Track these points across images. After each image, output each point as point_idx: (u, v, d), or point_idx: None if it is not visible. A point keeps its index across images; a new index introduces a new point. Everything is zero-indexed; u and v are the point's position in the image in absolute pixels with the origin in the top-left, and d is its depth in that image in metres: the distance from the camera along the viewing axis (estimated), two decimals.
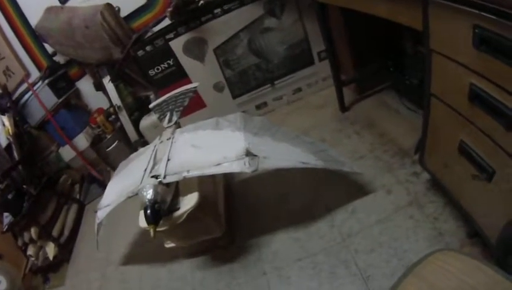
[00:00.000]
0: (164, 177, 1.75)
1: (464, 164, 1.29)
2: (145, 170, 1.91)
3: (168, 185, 1.76)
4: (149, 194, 1.67)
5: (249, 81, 3.07)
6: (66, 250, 2.99)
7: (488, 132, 1.10)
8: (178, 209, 1.78)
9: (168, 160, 1.86)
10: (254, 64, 2.97)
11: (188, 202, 1.78)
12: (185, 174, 1.73)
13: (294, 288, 1.82)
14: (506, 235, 1.11)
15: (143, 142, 3.26)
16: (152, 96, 3.29)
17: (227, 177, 2.55)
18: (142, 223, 1.73)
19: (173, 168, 1.79)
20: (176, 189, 1.85)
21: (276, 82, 3.07)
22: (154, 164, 1.92)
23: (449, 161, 1.45)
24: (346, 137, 2.50)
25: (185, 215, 1.76)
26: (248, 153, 1.69)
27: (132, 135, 3.34)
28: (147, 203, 1.65)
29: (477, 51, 0.99)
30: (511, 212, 1.13)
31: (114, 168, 3.23)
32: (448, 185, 1.55)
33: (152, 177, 1.77)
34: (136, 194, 1.79)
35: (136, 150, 3.02)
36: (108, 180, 3.21)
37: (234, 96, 3.14)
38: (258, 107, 3.21)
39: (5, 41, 3.28)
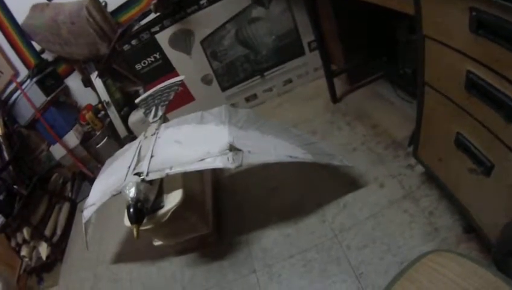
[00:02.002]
0: (147, 175, 1.68)
1: (461, 157, 1.20)
2: (129, 167, 1.83)
3: (151, 182, 1.69)
4: (131, 192, 1.60)
5: (237, 73, 2.98)
6: (59, 249, 2.93)
7: (487, 123, 1.01)
8: (162, 207, 1.71)
9: (152, 156, 1.79)
10: (242, 56, 2.88)
11: (172, 199, 1.71)
12: (168, 171, 1.66)
13: (284, 286, 1.75)
14: (508, 236, 1.00)
15: (132, 138, 3.17)
16: (141, 91, 3.20)
17: (216, 172, 2.48)
18: (127, 222, 1.66)
19: (156, 165, 1.72)
20: (160, 186, 1.78)
21: (265, 73, 2.97)
22: (138, 161, 1.84)
23: (445, 153, 1.37)
24: (337, 129, 2.42)
25: (169, 214, 1.69)
26: (232, 148, 1.61)
27: (121, 130, 3.28)
28: (130, 201, 1.58)
29: (474, 36, 0.90)
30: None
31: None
32: (444, 179, 1.47)
33: (135, 174, 1.70)
34: (120, 192, 1.71)
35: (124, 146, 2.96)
36: None
37: (223, 89, 3.06)
38: (247, 99, 3.12)
39: None
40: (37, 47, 3.26)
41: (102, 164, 2.90)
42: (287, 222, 1.99)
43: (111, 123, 3.30)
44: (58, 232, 3.02)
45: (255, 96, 3.10)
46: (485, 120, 1.02)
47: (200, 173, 2.13)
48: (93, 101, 3.49)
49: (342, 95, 2.66)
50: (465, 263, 0.83)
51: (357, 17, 2.16)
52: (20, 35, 3.20)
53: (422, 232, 1.60)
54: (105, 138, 3.28)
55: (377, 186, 1.91)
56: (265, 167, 2.10)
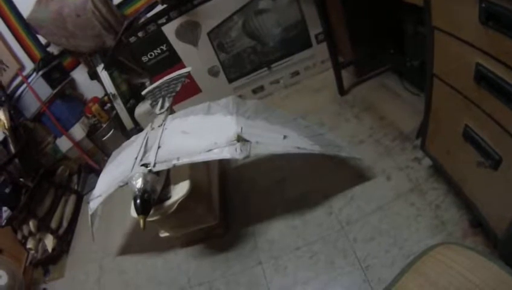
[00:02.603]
0: (154, 166, 1.69)
1: (469, 149, 1.21)
2: (136, 158, 1.86)
3: (158, 173, 1.70)
4: (138, 183, 1.62)
5: (244, 64, 2.99)
6: (65, 242, 2.98)
7: (495, 116, 1.02)
8: (169, 198, 1.73)
9: (159, 147, 1.81)
10: (249, 47, 2.89)
11: (179, 190, 1.73)
12: (175, 161, 1.67)
13: (290, 278, 1.77)
14: None
15: (138, 130, 3.19)
16: (147, 83, 3.22)
17: (223, 163, 2.49)
18: (134, 213, 1.68)
19: (163, 156, 1.73)
20: (167, 177, 1.80)
21: (273, 65, 2.98)
22: (145, 152, 1.86)
23: (452, 146, 1.37)
24: (345, 121, 2.43)
25: (176, 205, 1.71)
26: (239, 139, 1.62)
27: (128, 123, 3.28)
28: (136, 192, 1.60)
29: (483, 28, 0.90)
30: None
31: None
32: (451, 172, 1.48)
33: (142, 165, 1.72)
34: (127, 183, 1.73)
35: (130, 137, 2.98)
36: None
37: (230, 81, 3.07)
38: (254, 91, 3.13)
39: None
40: (43, 40, 3.28)
41: (109, 156, 2.92)
42: (293, 214, 2.00)
43: (117, 115, 3.30)
44: (64, 224, 3.07)
45: (262, 88, 3.12)
46: (494, 113, 1.02)
47: (207, 164, 2.14)
48: (99, 94, 3.50)
49: (349, 87, 2.66)
50: (472, 255, 0.83)
51: (365, 9, 2.16)
52: (26, 29, 3.22)
53: (429, 226, 1.61)
54: (112, 130, 3.29)
55: (384, 179, 1.91)
56: (273, 158, 2.10)
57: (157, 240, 2.10)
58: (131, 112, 3.23)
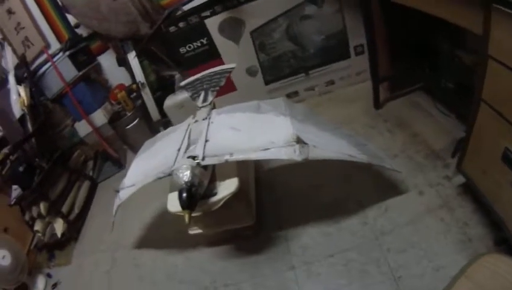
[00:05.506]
0: (203, 159, 1.76)
1: (505, 171, 1.38)
2: (179, 149, 1.95)
3: (205, 167, 1.76)
4: (186, 176, 1.65)
5: (282, 68, 3.15)
6: (74, 228, 3.11)
7: None
8: (215, 194, 1.80)
9: (207, 141, 1.88)
10: (290, 51, 3.05)
11: (227, 187, 1.80)
12: (227, 157, 1.73)
13: (323, 284, 1.92)
14: None
15: (165, 122, 3.33)
16: (177, 76, 3.36)
17: (257, 165, 2.59)
18: (173, 207, 1.75)
19: (213, 150, 1.80)
20: (213, 173, 1.86)
21: (310, 72, 3.15)
22: (189, 145, 1.95)
23: (490, 167, 1.54)
24: (378, 134, 2.62)
25: (222, 202, 1.78)
26: (298, 140, 1.69)
27: (154, 114, 3.39)
28: (184, 185, 1.63)
29: None
30: None
31: (131, 147, 3.40)
32: (485, 191, 1.64)
33: (189, 158, 1.77)
34: (168, 175, 1.82)
35: (156, 130, 3.12)
36: (124, 159, 3.39)
37: (266, 82, 3.23)
38: (288, 95, 3.28)
39: (25, 11, 3.37)
40: (72, 21, 3.43)
41: (129, 145, 3.05)
42: (327, 221, 2.16)
43: (143, 105, 3.42)
44: (76, 210, 3.21)
45: (296, 93, 3.28)
46: None
47: (246, 163, 2.22)
48: (125, 81, 3.65)
49: (383, 102, 2.85)
50: None
51: (407, 25, 2.33)
52: (55, 7, 3.39)
53: (457, 241, 1.78)
54: (137, 120, 3.40)
55: (417, 194, 2.10)
56: (306, 163, 2.24)
57: (180, 236, 2.21)
58: (158, 103, 3.34)
